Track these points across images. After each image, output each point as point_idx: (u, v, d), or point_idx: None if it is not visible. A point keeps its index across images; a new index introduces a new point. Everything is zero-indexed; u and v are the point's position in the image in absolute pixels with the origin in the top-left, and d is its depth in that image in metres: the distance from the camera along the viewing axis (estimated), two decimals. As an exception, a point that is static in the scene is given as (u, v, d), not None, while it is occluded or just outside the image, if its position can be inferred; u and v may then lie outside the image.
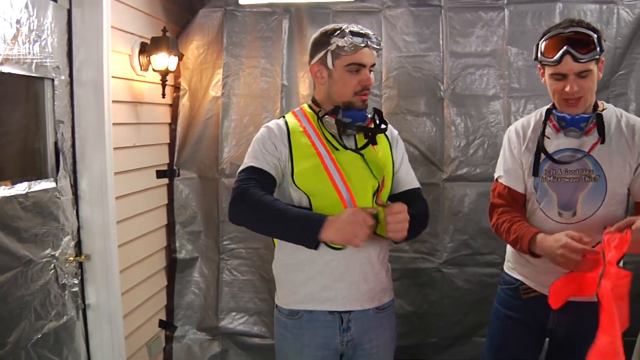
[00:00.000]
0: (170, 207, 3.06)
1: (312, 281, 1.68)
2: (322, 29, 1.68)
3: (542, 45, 1.69)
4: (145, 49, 2.63)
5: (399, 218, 1.52)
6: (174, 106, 3.05)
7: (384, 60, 2.87)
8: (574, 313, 1.74)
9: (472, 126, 2.86)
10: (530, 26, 2.80)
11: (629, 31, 2.78)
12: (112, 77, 2.35)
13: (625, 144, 1.74)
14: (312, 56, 1.69)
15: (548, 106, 1.85)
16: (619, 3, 2.78)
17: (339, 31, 1.62)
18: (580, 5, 2.80)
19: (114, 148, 2.37)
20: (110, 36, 2.30)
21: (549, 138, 1.80)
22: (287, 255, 1.73)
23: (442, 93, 2.86)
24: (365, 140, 1.69)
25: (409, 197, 1.77)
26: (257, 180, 1.59)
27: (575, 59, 1.61)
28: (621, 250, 1.56)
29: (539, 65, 1.78)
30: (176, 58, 2.72)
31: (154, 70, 2.66)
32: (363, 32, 1.63)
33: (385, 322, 1.79)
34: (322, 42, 1.65)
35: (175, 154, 3.06)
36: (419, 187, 1.85)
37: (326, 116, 1.65)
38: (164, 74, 2.71)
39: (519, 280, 1.90)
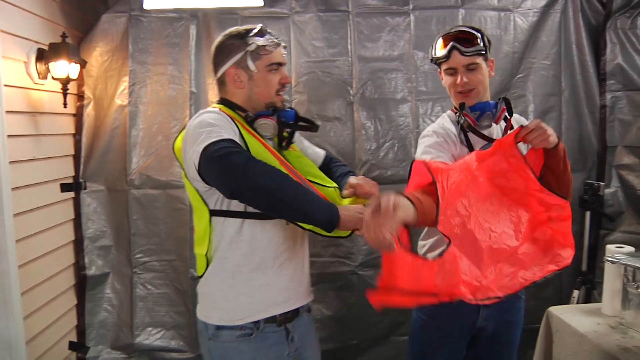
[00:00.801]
0: (77, 221, 3.00)
1: (268, 285, 1.64)
2: (228, 32, 1.65)
3: (435, 46, 1.88)
4: (43, 56, 2.56)
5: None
6: (78, 116, 2.99)
7: (294, 66, 2.95)
8: (500, 303, 1.78)
9: (382, 129, 2.99)
10: (435, 31, 2.96)
11: (524, 37, 3.01)
12: (5, 85, 2.27)
13: None
14: (221, 62, 1.64)
15: (449, 111, 1.98)
16: (514, 11, 3.01)
17: (255, 31, 1.61)
18: (481, 12, 3.01)
19: (10, 162, 2.29)
20: (0, 41, 2.23)
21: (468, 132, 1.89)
22: (235, 264, 1.62)
23: (351, 97, 2.98)
24: (286, 138, 1.69)
25: (331, 164, 1.89)
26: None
27: (462, 53, 1.81)
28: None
29: (439, 70, 1.93)
30: (78, 65, 2.67)
31: (53, 78, 2.60)
32: (270, 30, 1.68)
33: (313, 326, 1.84)
34: (236, 44, 1.62)
35: (81, 166, 3.00)
36: (326, 152, 1.95)
37: (262, 118, 1.61)
38: (65, 82, 2.65)
39: None
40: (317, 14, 2.97)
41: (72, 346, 2.93)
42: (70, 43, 2.59)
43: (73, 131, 2.98)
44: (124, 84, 2.98)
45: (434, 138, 1.86)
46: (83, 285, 3.02)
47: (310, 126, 1.72)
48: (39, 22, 2.61)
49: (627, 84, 3.04)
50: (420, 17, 2.98)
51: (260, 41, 1.59)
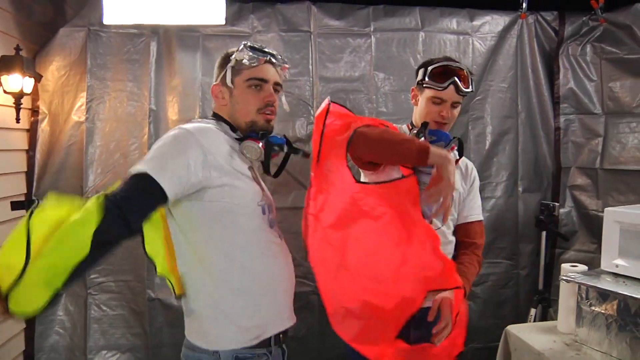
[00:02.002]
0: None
1: (272, 301, 1.59)
2: (228, 51, 1.65)
3: (431, 70, 1.90)
4: (-5, 68, 2.49)
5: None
6: (32, 131, 2.90)
7: (255, 85, 2.94)
8: (426, 321, 1.83)
9: (343, 149, 3.00)
10: (395, 52, 3.02)
11: (482, 60, 3.10)
12: (-47, 98, 2.21)
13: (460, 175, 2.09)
14: (214, 78, 1.66)
15: (404, 127, 2.04)
16: (473, 35, 3.10)
17: (240, 47, 1.59)
18: (440, 35, 3.08)
19: (-43, 178, 2.21)
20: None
21: None
22: (230, 281, 1.52)
23: (312, 117, 2.98)
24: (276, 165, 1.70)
25: None
26: None
27: (458, 91, 1.88)
28: None
29: (413, 87, 2.00)
30: (32, 79, 2.61)
31: (5, 92, 2.53)
32: (264, 49, 1.62)
33: None
34: (222, 62, 1.63)
35: (34, 183, 2.90)
36: None
37: (248, 140, 1.56)
38: (18, 96, 2.58)
39: None
40: (279, 34, 2.98)
41: (19, 373, 2.81)
42: (24, 56, 2.54)
43: (26, 147, 2.89)
44: (81, 99, 2.92)
45: None
46: (33, 307, 2.90)
47: (297, 152, 1.71)
48: (-9, 34, 2.55)
49: (579, 107, 3.16)
50: (382, 38, 3.03)
51: (239, 55, 1.57)
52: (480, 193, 3.12)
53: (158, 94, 2.96)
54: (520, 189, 3.21)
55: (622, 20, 2.95)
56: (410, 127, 2.01)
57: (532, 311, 2.96)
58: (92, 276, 2.95)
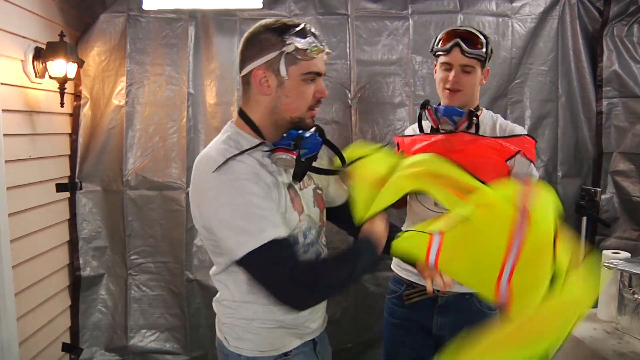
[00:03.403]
0: (72, 222, 2.98)
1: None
2: (264, 23, 1.36)
3: (439, 37, 1.91)
4: (41, 55, 2.55)
5: None
6: (75, 115, 2.98)
7: (292, 68, 2.95)
8: (453, 311, 1.90)
9: (379, 133, 3.00)
10: (433, 35, 2.90)
11: (522, 43, 3.03)
12: (2, 84, 2.28)
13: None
14: (250, 57, 1.33)
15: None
16: (512, 17, 3.03)
17: (297, 29, 1.31)
18: (480, 17, 3.02)
19: (6, 161, 2.28)
20: (-3, 39, 2.22)
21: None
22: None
23: (349, 100, 2.98)
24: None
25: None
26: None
27: (462, 52, 1.84)
28: None
29: (434, 62, 1.96)
30: (75, 65, 2.65)
31: (50, 77, 2.58)
32: (316, 32, 1.37)
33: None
34: (272, 41, 1.31)
35: (77, 166, 2.99)
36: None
37: (280, 152, 1.32)
38: (62, 81, 2.63)
39: (403, 284, 2.01)
40: (316, 17, 2.97)
41: (66, 348, 2.91)
42: (68, 42, 2.58)
43: (69, 131, 2.97)
44: (121, 84, 2.97)
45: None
46: (77, 286, 3.00)
47: (327, 169, 1.49)
48: (37, 21, 2.60)
49: (623, 90, 3.07)
50: (419, 21, 2.99)
51: (300, 43, 1.29)
52: (519, 178, 3.10)
53: (196, 78, 2.99)
54: (559, 174, 3.15)
55: (672, -2, 2.84)
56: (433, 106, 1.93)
57: (571, 298, 2.91)
58: (132, 257, 3.03)
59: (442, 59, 1.89)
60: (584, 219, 2.97)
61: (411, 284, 1.97)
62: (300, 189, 1.43)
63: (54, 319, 2.79)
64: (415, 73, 2.99)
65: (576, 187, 3.12)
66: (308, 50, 1.30)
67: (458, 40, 1.84)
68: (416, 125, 2.00)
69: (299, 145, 1.31)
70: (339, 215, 1.62)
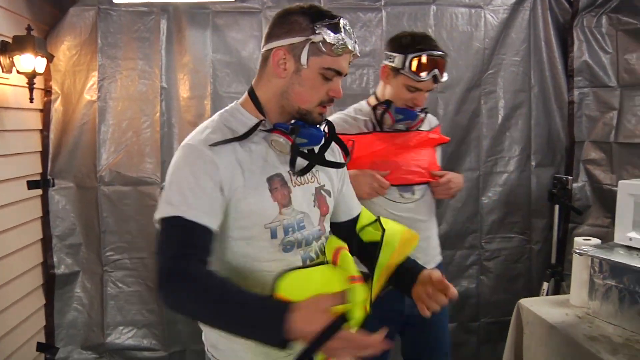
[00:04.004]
0: (45, 219, 2.94)
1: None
2: (302, 5, 1.28)
3: (412, 61, 1.87)
4: (7, 49, 2.49)
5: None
6: (45, 111, 2.93)
7: (266, 61, 2.94)
8: None
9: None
10: (406, 27, 2.98)
11: (495, 33, 3.06)
12: (-34, 79, 2.23)
13: None
14: (276, 35, 1.28)
15: (363, 104, 2.12)
16: (485, 8, 3.05)
17: (331, 21, 1.25)
18: (452, 8, 3.04)
19: (-27, 158, 2.24)
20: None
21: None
22: None
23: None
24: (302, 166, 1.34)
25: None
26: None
27: (436, 81, 1.90)
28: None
29: (384, 65, 1.96)
30: (44, 59, 2.61)
31: (18, 72, 2.53)
32: (350, 30, 1.30)
33: None
34: (302, 25, 1.25)
35: (49, 163, 2.94)
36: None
37: (277, 134, 1.27)
38: (31, 76, 2.59)
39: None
40: (289, 9, 2.96)
41: (40, 347, 2.87)
42: (35, 36, 2.54)
43: (40, 127, 2.92)
44: (93, 78, 2.93)
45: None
46: (52, 284, 2.96)
47: (337, 164, 1.41)
48: (2, 14, 2.54)
49: (594, 80, 3.12)
50: (392, 13, 2.99)
51: (329, 36, 1.23)
52: (493, 168, 3.15)
53: (169, 72, 2.96)
54: (533, 163, 3.19)
55: (640, -11, 2.89)
56: (376, 103, 2.02)
57: (545, 285, 2.96)
58: (107, 254, 3.00)
59: (413, 83, 1.90)
60: (557, 207, 3.01)
61: None
62: (298, 184, 1.34)
63: (27, 319, 2.75)
64: (389, 65, 3.00)
65: (549, 176, 3.17)
66: (334, 47, 1.24)
67: (436, 71, 1.88)
68: (338, 117, 2.06)
69: (296, 131, 1.26)
70: (339, 232, 1.48)
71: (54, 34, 2.89)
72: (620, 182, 2.37)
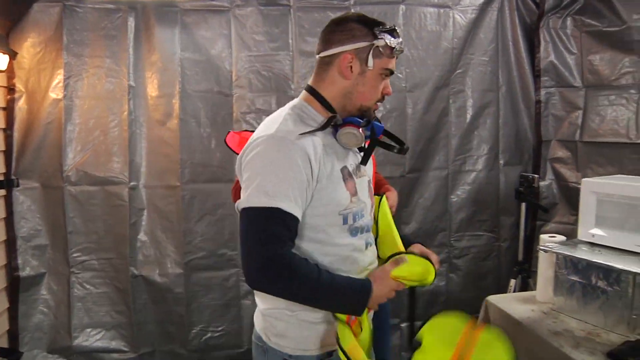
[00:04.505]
0: (9, 220, 2.88)
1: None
2: (353, 14, 1.44)
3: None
4: (-32, 46, 2.45)
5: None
6: (9, 110, 2.86)
7: (234, 60, 2.93)
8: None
9: (323, 124, 3.00)
10: (375, 27, 2.99)
11: (463, 33, 3.10)
12: None
13: None
14: (338, 41, 1.38)
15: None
16: (453, 8, 3.09)
17: (388, 27, 1.39)
18: (421, 8, 3.07)
19: None
20: None
21: None
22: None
23: (292, 92, 2.98)
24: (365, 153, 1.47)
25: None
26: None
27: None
28: None
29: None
30: (7, 56, 2.56)
31: (-21, 70, 2.48)
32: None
33: None
34: (363, 31, 1.38)
35: (13, 162, 2.88)
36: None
37: (349, 127, 1.37)
38: (-7, 74, 2.54)
39: None
40: (258, 8, 2.95)
41: (4, 352, 2.81)
42: (-3, 33, 2.49)
43: (4, 126, 2.85)
44: (59, 76, 2.88)
45: None
46: (16, 287, 2.90)
47: (394, 146, 1.49)
48: (-38, 10, 2.49)
49: (559, 80, 3.17)
50: (362, 12, 2.98)
51: (390, 40, 1.37)
52: (462, 166, 3.18)
53: (137, 70, 2.92)
54: (501, 162, 3.24)
55: (602, -8, 2.95)
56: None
57: (512, 282, 3.00)
58: (74, 255, 2.95)
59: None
60: (523, 204, 3.06)
61: None
62: (359, 177, 1.46)
63: (-10, 322, 2.69)
64: (358, 63, 3.01)
65: (517, 174, 3.22)
66: (395, 49, 1.39)
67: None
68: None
69: (370, 123, 1.40)
70: None
71: (17, 30, 2.82)
72: (583, 180, 2.42)
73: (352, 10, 2.98)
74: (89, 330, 3.02)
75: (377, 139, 1.43)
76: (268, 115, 2.86)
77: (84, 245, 2.96)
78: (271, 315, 1.42)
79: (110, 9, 2.89)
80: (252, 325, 3.09)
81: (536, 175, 3.11)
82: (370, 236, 1.50)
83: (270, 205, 1.24)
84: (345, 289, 1.32)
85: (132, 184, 2.95)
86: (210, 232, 3.01)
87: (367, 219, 1.47)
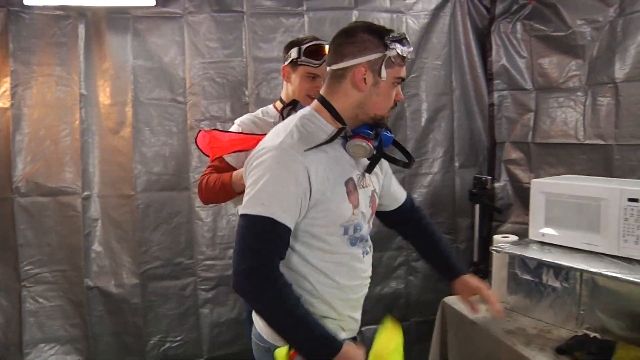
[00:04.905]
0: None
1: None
2: (363, 24, 1.45)
3: (307, 49, 2.06)
4: None
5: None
6: (-47, 120, 2.77)
7: (188, 67, 2.91)
8: None
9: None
10: (329, 32, 2.98)
11: (416, 38, 3.14)
12: None
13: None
14: (351, 54, 1.41)
15: (270, 107, 2.22)
16: (406, 13, 3.14)
17: (397, 36, 1.41)
18: (374, 13, 3.10)
19: None
20: None
21: None
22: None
23: (247, 98, 2.96)
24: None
25: (407, 212, 1.85)
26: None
27: (329, 64, 1.95)
28: None
29: (284, 66, 2.14)
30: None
31: None
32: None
33: None
34: (375, 43, 1.40)
35: (-41, 174, 2.78)
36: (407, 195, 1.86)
37: (359, 139, 1.42)
38: None
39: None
40: (211, 15, 2.93)
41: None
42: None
43: (-53, 136, 2.76)
44: (5, 85, 2.79)
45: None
46: (-37, 303, 2.81)
47: (399, 160, 1.56)
48: None
49: (511, 83, 3.24)
50: (315, 18, 3.01)
51: (402, 50, 1.40)
52: (418, 169, 3.22)
53: (88, 78, 2.87)
54: (456, 164, 3.28)
55: (549, -1, 3.03)
56: (282, 105, 2.11)
57: (469, 283, 3.04)
58: (25, 268, 2.87)
59: (309, 70, 2.06)
60: (477, 206, 3.11)
61: None
62: (362, 187, 1.50)
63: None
64: (312, 69, 3.02)
65: (472, 176, 3.26)
66: (406, 58, 1.43)
67: (327, 55, 2.01)
68: (248, 117, 2.17)
69: (378, 134, 1.44)
70: (390, 218, 1.85)
71: (-41, 37, 2.74)
72: (532, 180, 2.48)
73: (305, 17, 2.99)
74: (42, 345, 2.93)
75: (382, 153, 1.48)
76: (222, 122, 2.88)
77: (36, 258, 2.88)
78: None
79: (59, 15, 2.82)
80: (210, 334, 3.09)
81: (489, 177, 3.17)
82: (368, 245, 1.56)
83: (264, 215, 1.29)
84: (316, 330, 1.34)
85: (85, 193, 2.88)
86: (166, 241, 2.96)
87: (365, 229, 1.52)
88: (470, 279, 1.81)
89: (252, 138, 2.01)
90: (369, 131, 1.43)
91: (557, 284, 2.13)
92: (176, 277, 2.99)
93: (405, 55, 1.42)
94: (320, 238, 1.41)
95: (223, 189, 1.95)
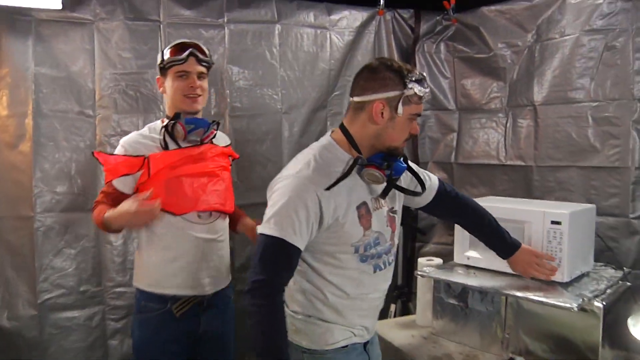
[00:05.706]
0: None
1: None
2: (387, 62, 1.58)
3: (167, 51, 2.07)
4: None
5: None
6: None
7: (97, 78, 2.69)
8: (215, 307, 2.14)
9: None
10: (250, 45, 2.92)
11: (340, 55, 3.12)
12: None
13: None
14: (371, 89, 1.55)
15: (157, 122, 2.17)
16: (330, 29, 3.11)
17: (418, 77, 1.55)
18: (297, 28, 3.04)
19: None
20: None
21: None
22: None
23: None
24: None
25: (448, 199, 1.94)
26: None
27: (199, 60, 2.07)
28: None
29: (158, 78, 2.15)
30: None
31: None
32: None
33: None
34: (395, 81, 1.53)
35: None
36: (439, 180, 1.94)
37: (372, 169, 1.56)
38: None
39: (166, 300, 2.05)
40: (124, 22, 2.75)
41: None
42: None
43: None
44: None
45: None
46: None
47: (410, 190, 1.72)
48: None
49: (435, 104, 3.28)
50: (236, 30, 2.91)
51: (419, 90, 1.54)
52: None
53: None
54: (381, 184, 3.26)
55: (471, 21, 3.09)
56: (167, 120, 2.08)
57: (392, 307, 3.01)
58: None
59: (177, 68, 2.05)
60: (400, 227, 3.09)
61: (175, 297, 2.05)
62: (375, 209, 1.64)
63: None
64: (231, 84, 2.89)
65: (396, 197, 3.25)
66: (423, 98, 1.57)
67: (192, 50, 2.05)
68: (132, 138, 2.11)
69: (390, 166, 1.57)
70: (432, 208, 1.95)
71: None
72: (457, 202, 2.46)
73: (226, 29, 2.88)
74: None
75: (393, 183, 1.60)
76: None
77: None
78: (290, 316, 1.64)
79: (-53, 14, 2.57)
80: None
81: (413, 198, 3.16)
82: (386, 260, 1.69)
83: (278, 236, 1.46)
84: (277, 353, 1.48)
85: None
86: (70, 267, 2.72)
87: (381, 247, 1.66)
88: (526, 252, 2.00)
89: (137, 161, 2.00)
90: (381, 161, 1.57)
91: (482, 308, 2.13)
92: (81, 307, 2.75)
93: (422, 95, 1.55)
94: (332, 255, 1.59)
95: (100, 224, 1.98)
